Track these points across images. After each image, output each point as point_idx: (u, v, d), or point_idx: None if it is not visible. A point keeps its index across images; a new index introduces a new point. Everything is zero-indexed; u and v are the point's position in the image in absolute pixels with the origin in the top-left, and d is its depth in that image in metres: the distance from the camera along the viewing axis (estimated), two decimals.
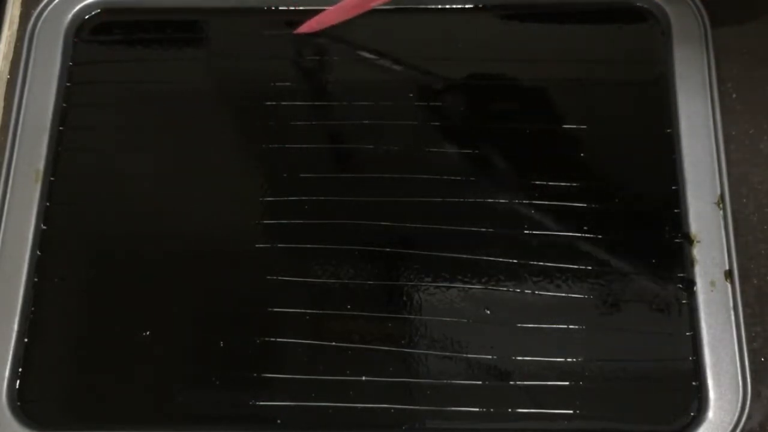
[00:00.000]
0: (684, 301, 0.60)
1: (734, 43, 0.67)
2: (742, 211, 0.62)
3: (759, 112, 0.65)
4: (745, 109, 0.65)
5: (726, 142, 0.64)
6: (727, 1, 0.68)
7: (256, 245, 0.63)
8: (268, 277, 0.62)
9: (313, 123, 0.68)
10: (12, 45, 0.69)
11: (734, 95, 0.65)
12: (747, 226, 0.61)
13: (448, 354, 0.59)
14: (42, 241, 0.64)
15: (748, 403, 0.57)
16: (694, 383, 0.58)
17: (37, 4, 0.70)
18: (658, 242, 0.62)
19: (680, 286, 0.61)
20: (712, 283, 0.60)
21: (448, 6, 0.70)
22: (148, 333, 0.61)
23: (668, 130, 0.65)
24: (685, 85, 0.65)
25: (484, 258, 0.62)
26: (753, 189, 0.63)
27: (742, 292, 0.59)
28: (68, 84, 0.69)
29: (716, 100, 0.65)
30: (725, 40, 0.67)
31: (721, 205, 0.62)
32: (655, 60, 0.67)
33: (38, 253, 0.63)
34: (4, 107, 0.67)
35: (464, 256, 0.62)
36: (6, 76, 0.68)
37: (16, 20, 0.69)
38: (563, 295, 0.61)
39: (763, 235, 0.61)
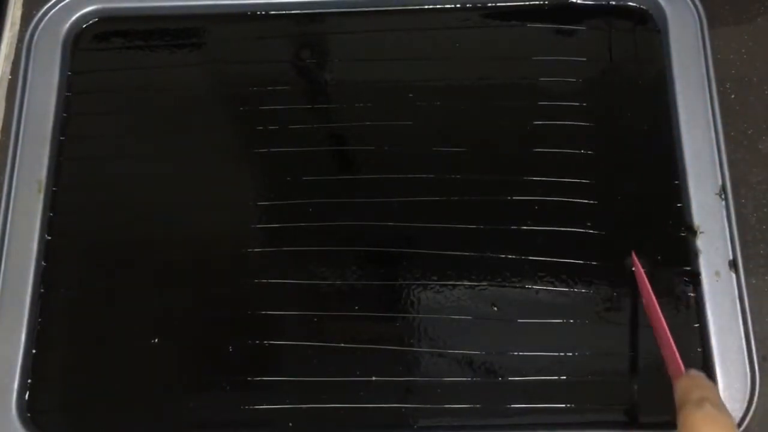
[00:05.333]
0: (690, 294, 0.60)
1: (732, 44, 0.67)
2: (741, 211, 0.62)
3: (757, 113, 0.65)
4: (744, 110, 0.65)
5: (724, 143, 0.64)
6: (724, 2, 0.68)
7: (262, 249, 0.63)
8: (275, 281, 0.62)
9: (315, 126, 0.68)
10: (14, 47, 0.69)
11: (733, 96, 0.66)
12: (746, 226, 0.62)
13: (458, 352, 0.60)
14: (47, 251, 0.64)
15: (757, 391, 0.57)
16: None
17: (36, 13, 0.70)
18: (662, 237, 0.62)
19: (686, 279, 0.61)
20: (717, 273, 0.60)
21: (448, 6, 0.71)
22: (156, 340, 0.61)
23: (668, 126, 0.65)
24: (684, 83, 0.66)
25: (489, 255, 0.62)
26: (752, 189, 0.63)
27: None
28: (68, 94, 0.69)
29: (714, 94, 0.65)
30: (723, 40, 0.67)
31: (722, 196, 0.62)
32: (654, 59, 0.68)
33: (43, 263, 0.63)
34: (5, 115, 0.67)
35: (469, 253, 0.63)
36: (8, 76, 0.68)
37: (18, 21, 0.70)
38: (569, 290, 0.61)
39: (762, 235, 0.62)
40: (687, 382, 0.51)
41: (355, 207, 0.64)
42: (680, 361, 0.53)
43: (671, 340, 0.55)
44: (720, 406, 0.50)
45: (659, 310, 0.56)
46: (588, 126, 0.66)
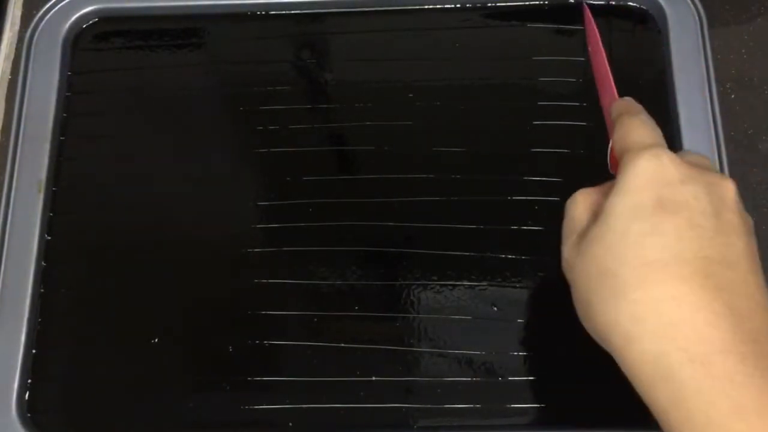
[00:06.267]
0: None
1: (732, 44, 0.67)
2: None
3: (757, 113, 0.65)
4: (744, 110, 0.65)
5: (724, 143, 0.64)
6: (724, 2, 0.68)
7: (262, 249, 0.63)
8: (276, 281, 0.62)
9: (315, 126, 0.68)
10: (14, 47, 0.69)
11: (733, 96, 0.66)
12: None
13: (458, 352, 0.60)
14: (47, 251, 0.64)
15: None
16: None
17: (36, 13, 0.70)
18: None
19: None
20: None
21: (448, 6, 0.71)
22: (156, 340, 0.61)
23: (668, 126, 0.65)
24: (684, 83, 0.66)
25: (489, 255, 0.62)
26: (751, 189, 0.63)
27: None
28: (68, 94, 0.69)
29: (714, 94, 0.65)
30: (723, 40, 0.67)
31: None
32: (654, 60, 0.68)
33: (43, 264, 0.63)
34: (5, 115, 0.67)
35: (469, 253, 0.63)
36: (8, 76, 0.68)
37: (18, 21, 0.70)
38: (569, 290, 0.61)
39: (762, 235, 0.61)
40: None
41: (355, 207, 0.64)
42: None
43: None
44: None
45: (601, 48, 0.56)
46: (588, 126, 0.66)
